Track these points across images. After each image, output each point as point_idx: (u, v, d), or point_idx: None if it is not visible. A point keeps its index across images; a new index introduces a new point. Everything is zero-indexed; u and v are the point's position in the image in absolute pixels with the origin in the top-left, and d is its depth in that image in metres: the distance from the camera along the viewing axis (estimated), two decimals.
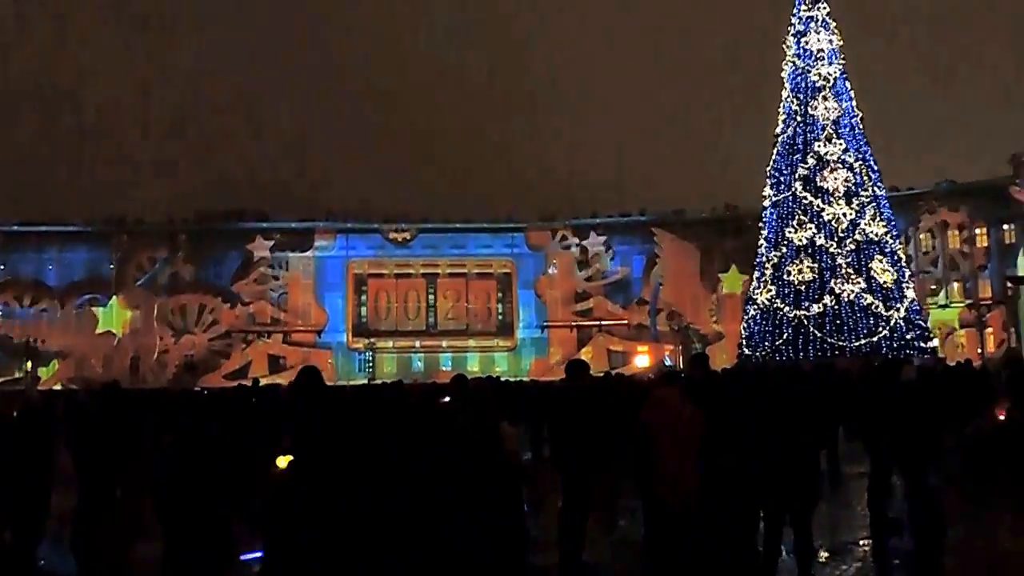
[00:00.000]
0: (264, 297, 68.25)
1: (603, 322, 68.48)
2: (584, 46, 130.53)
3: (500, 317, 71.18)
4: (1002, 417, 11.93)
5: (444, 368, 63.25)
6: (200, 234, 67.91)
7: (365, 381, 50.72)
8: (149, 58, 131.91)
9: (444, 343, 69.59)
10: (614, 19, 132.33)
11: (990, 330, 56.52)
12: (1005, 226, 56.54)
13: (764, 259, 41.13)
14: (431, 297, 70.67)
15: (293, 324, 68.00)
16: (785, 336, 38.97)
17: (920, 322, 40.41)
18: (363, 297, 70.25)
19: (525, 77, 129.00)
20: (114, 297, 66.67)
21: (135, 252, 67.74)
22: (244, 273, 68.11)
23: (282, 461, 6.14)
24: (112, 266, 67.34)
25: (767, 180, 41.83)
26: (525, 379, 42.21)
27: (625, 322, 68.15)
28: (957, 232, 59.40)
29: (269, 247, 68.23)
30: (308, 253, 68.75)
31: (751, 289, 42.39)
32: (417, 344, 69.35)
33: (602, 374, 25.59)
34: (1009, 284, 53.95)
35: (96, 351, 65.24)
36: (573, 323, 69.04)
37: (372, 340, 67.89)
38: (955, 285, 59.38)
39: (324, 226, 69.55)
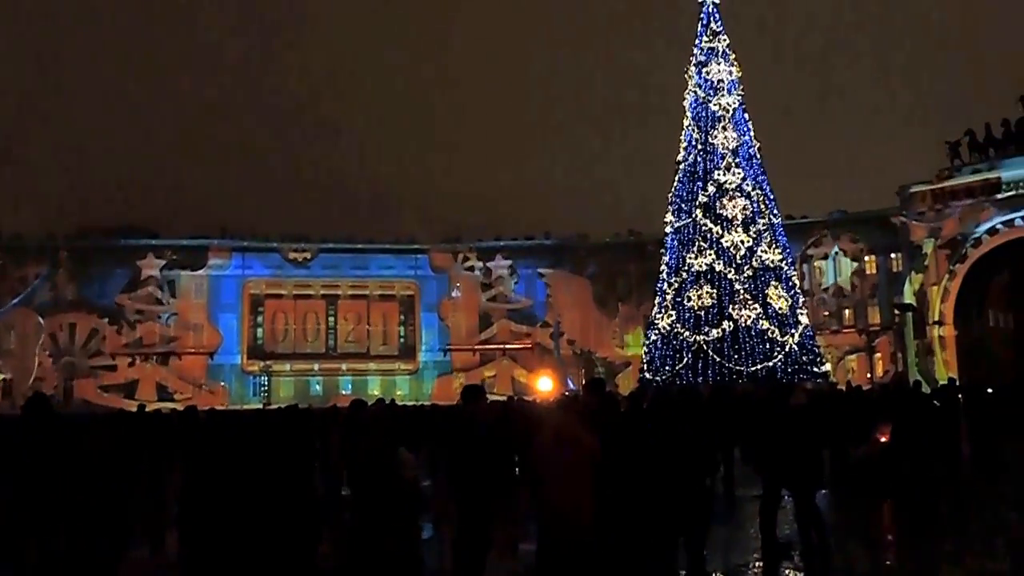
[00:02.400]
0: (153, 317, 65.68)
1: (507, 346, 68.39)
2: (493, 71, 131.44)
3: (402, 340, 70.39)
4: (884, 440, 12.37)
5: (344, 392, 62.20)
6: (84, 250, 64.64)
7: (260, 405, 49.40)
8: (28, 64, 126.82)
9: (344, 366, 68.37)
10: (523, 46, 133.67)
11: (879, 355, 58.50)
12: (893, 255, 58.71)
13: (665, 284, 41.63)
14: (331, 319, 69.40)
15: (184, 346, 65.63)
16: (685, 360, 39.44)
17: (813, 347, 41.43)
18: (259, 318, 68.43)
19: (434, 100, 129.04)
20: None
21: (11, 268, 64.06)
22: (131, 292, 65.30)
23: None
24: None
25: (669, 207, 42.44)
26: (427, 403, 41.64)
27: (528, 345, 68.19)
28: (849, 260, 61.44)
29: (159, 265, 65.74)
30: (201, 272, 66.53)
31: (652, 314, 42.83)
32: (316, 367, 67.96)
33: (504, 398, 25.31)
34: (896, 311, 55.99)
35: None
36: (476, 346, 68.73)
37: (268, 363, 66.13)
38: (846, 312, 61.31)
39: (219, 244, 67.51)
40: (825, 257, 62.00)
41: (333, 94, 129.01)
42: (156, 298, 65.64)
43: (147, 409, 24.59)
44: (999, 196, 51.21)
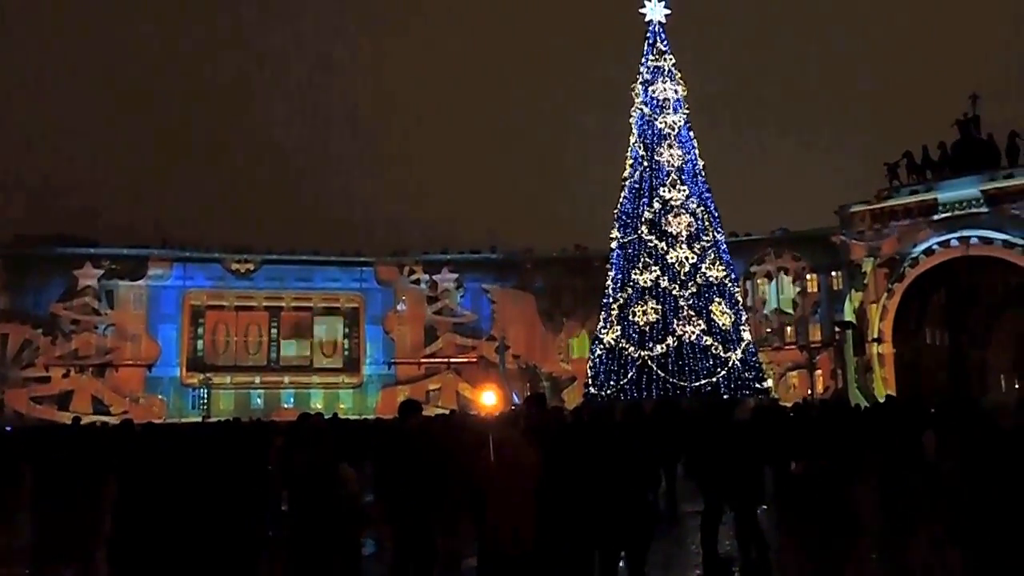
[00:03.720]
0: (89, 328, 64.05)
1: (452, 359, 68.13)
2: (441, 86, 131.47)
3: (346, 353, 69.69)
4: (817, 455, 12.53)
5: (286, 405, 61.45)
6: (19, 259, 62.66)
7: (199, 419, 48.54)
8: None
9: (286, 379, 67.44)
10: (473, 61, 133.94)
11: (820, 372, 59.40)
12: (834, 273, 59.73)
13: (611, 300, 41.82)
14: (274, 331, 68.45)
15: (121, 357, 64.13)
16: (630, 375, 39.60)
17: (756, 364, 41.90)
18: (200, 330, 67.18)
19: (381, 114, 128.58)
20: None
21: None
22: (67, 301, 63.62)
23: None
24: None
25: (615, 222, 42.70)
26: (371, 417, 41.26)
27: (474, 359, 68.01)
28: (791, 278, 62.35)
29: (97, 275, 64.17)
30: (141, 282, 65.06)
31: (598, 329, 42.98)
32: (257, 380, 66.90)
33: (447, 412, 25.17)
34: (837, 329, 56.94)
35: None
36: (421, 360, 68.35)
37: (208, 375, 64.93)
38: (788, 329, 62.19)
39: (159, 254, 66.20)
40: (768, 275, 62.82)
41: (279, 104, 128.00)
42: (93, 308, 64.02)
43: (82, 422, 23.95)
44: (936, 217, 52.48)
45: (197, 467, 6.55)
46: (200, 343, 66.95)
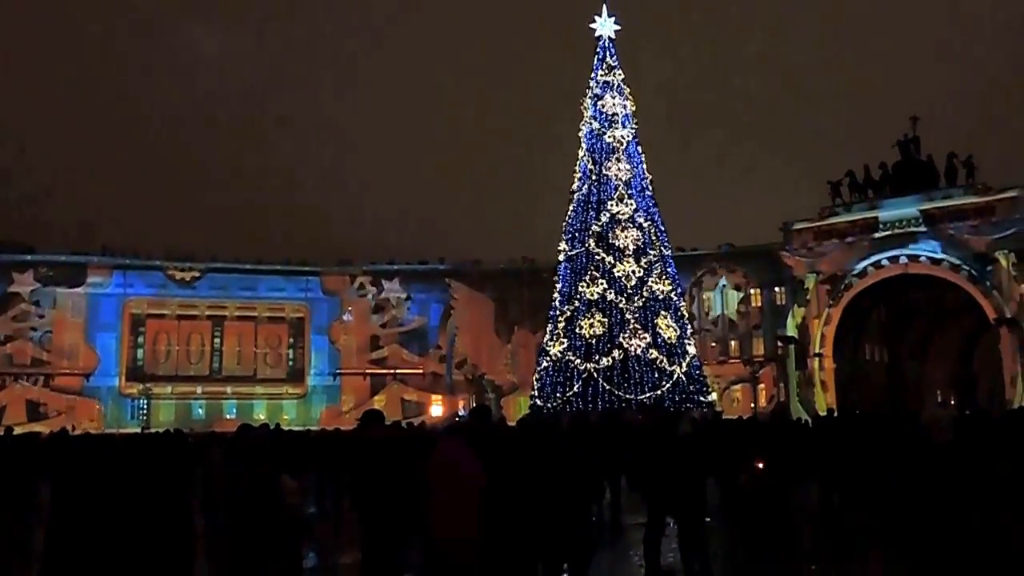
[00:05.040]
0: (24, 336, 62.42)
1: (398, 370, 67.77)
2: (390, 96, 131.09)
3: (291, 363, 68.93)
4: (760, 466, 12.67)
5: (228, 416, 60.51)
6: None
7: (138, 430, 47.62)
8: None
9: (229, 389, 66.45)
10: (423, 71, 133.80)
11: (762, 385, 60.15)
12: (777, 288, 60.60)
13: (558, 312, 41.92)
14: (217, 340, 67.41)
15: (57, 366, 62.57)
16: (576, 388, 39.69)
17: (700, 377, 42.28)
18: (140, 339, 65.92)
19: (329, 124, 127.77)
20: None
21: None
22: (2, 309, 62.02)
23: None
24: None
25: (563, 235, 42.86)
26: (314, 428, 40.76)
27: (420, 371, 67.69)
28: (735, 293, 63.10)
29: (34, 282, 62.54)
30: (79, 289, 63.61)
31: (544, 341, 43.04)
32: (199, 390, 65.83)
33: (391, 424, 24.93)
34: (779, 343, 57.77)
35: None
36: (367, 371, 67.83)
37: (148, 385, 63.68)
38: (732, 343, 62.89)
39: (99, 261, 64.82)
40: (713, 289, 63.52)
41: (224, 110, 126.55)
42: (29, 316, 62.49)
43: (15, 432, 23.33)
44: (876, 235, 53.51)
45: (134, 479, 6.38)
46: (140, 352, 65.72)
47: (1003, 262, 49.82)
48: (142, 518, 5.80)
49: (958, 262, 50.75)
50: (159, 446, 12.04)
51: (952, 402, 58.15)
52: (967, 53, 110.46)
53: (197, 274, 66.41)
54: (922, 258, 51.94)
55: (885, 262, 53.27)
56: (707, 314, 63.47)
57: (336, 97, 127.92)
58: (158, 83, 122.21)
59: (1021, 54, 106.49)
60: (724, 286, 63.17)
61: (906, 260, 52.47)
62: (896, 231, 52.87)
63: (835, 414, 27.27)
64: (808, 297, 56.15)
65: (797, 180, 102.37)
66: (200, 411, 64.03)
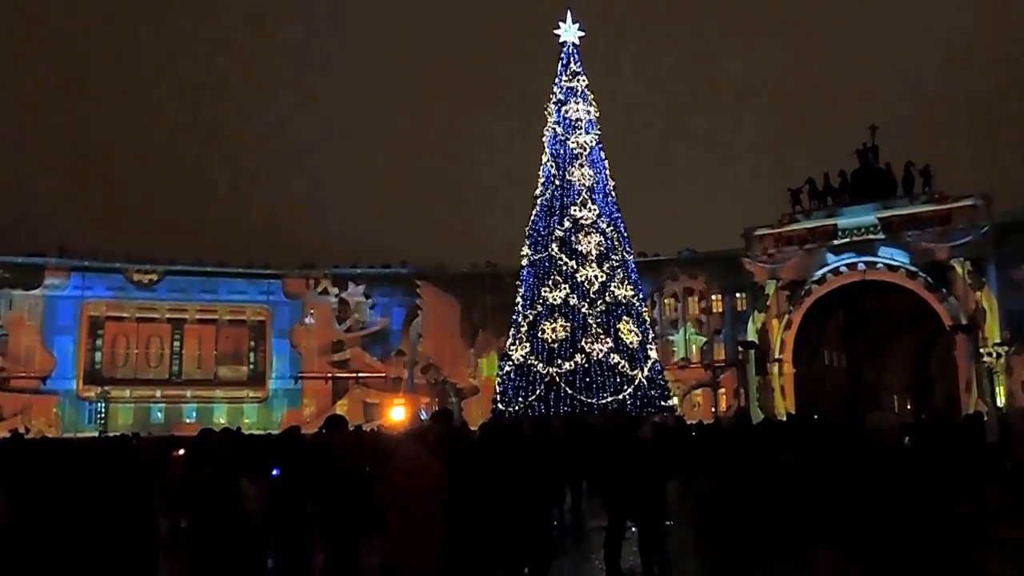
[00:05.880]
0: None
1: (360, 374, 67.42)
2: (353, 100, 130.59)
3: (252, 366, 68.30)
4: (716, 470, 12.82)
5: (188, 420, 59.86)
6: None
7: (96, 433, 47.00)
8: None
9: (189, 393, 65.68)
10: (386, 73, 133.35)
11: (723, 390, 60.64)
12: (738, 294, 61.15)
13: (520, 316, 42.01)
14: (177, 343, 66.62)
15: (13, 369, 61.45)
16: (538, 392, 39.80)
17: (661, 381, 42.58)
18: (98, 341, 64.99)
19: (292, 127, 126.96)
20: None
21: None
22: None
23: None
24: None
25: (526, 240, 42.95)
26: (275, 431, 40.50)
27: (382, 374, 67.43)
28: (697, 298, 63.55)
29: None
30: (36, 291, 62.54)
31: (507, 345, 43.10)
32: (158, 393, 64.99)
33: (354, 428, 24.86)
34: (740, 348, 58.34)
35: None
36: (329, 374, 67.42)
37: (106, 388, 62.75)
38: (694, 348, 63.34)
39: (56, 263, 63.74)
40: (675, 294, 63.91)
41: (187, 112, 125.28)
42: None
43: None
44: (835, 242, 54.30)
45: (94, 483, 6.35)
46: (98, 355, 64.78)
47: (959, 270, 50.78)
48: (101, 523, 5.77)
49: (915, 269, 51.63)
50: (114, 451, 11.95)
51: (908, 407, 59.05)
52: (927, 63, 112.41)
53: (157, 276, 65.58)
54: (879, 265, 52.78)
55: (844, 269, 54.06)
56: (669, 319, 63.78)
57: (299, 99, 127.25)
58: (118, 82, 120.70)
59: (977, 66, 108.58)
60: (686, 291, 63.48)
61: (864, 267, 53.31)
62: (855, 238, 53.67)
63: (793, 418, 27.57)
64: (768, 303, 56.79)
65: (758, 187, 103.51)
66: (159, 415, 63.27)
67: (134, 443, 18.10)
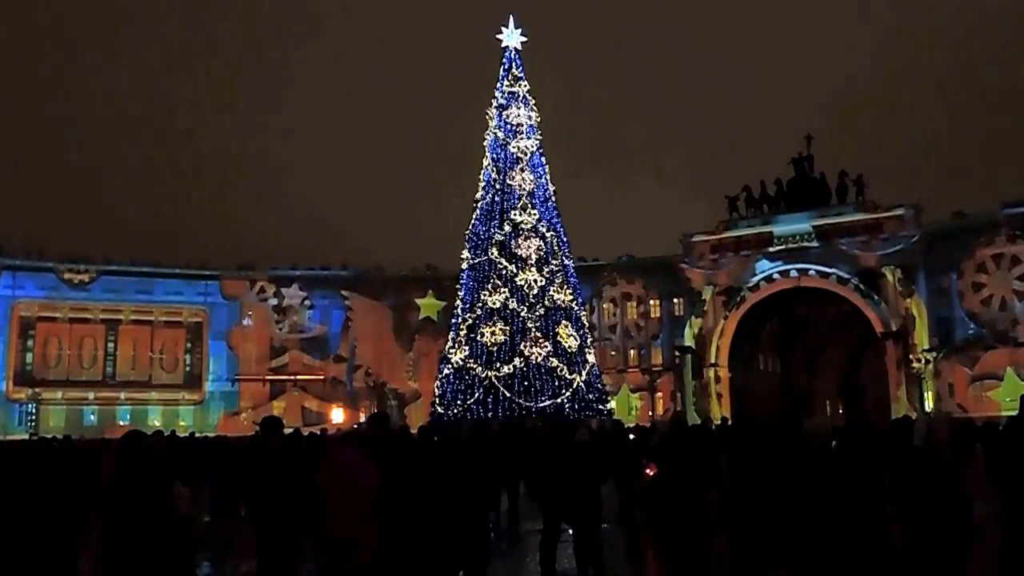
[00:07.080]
0: None
1: (298, 377, 66.77)
2: (296, 97, 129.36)
3: (188, 368, 67.16)
4: (651, 473, 13.03)
5: (122, 422, 58.67)
6: None
7: (27, 436, 45.95)
8: None
9: (123, 395, 64.34)
10: (329, 74, 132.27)
11: (660, 394, 61.28)
12: (676, 299, 61.81)
13: (460, 320, 42.07)
14: (111, 345, 65.24)
15: None
16: (477, 395, 39.90)
17: (599, 385, 42.99)
18: (29, 342, 63.37)
19: (230, 128, 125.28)
20: None
21: None
22: None
23: None
24: None
25: (466, 243, 43.03)
26: (211, 434, 39.99)
27: (321, 377, 66.87)
28: (635, 303, 64.09)
29: None
30: None
31: (446, 348, 43.13)
32: (91, 395, 63.56)
33: (291, 430, 24.68)
34: (677, 353, 59.08)
35: None
36: (267, 377, 66.66)
37: (37, 390, 61.23)
38: (631, 352, 63.92)
39: None
40: (613, 299, 64.40)
41: (128, 106, 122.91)
42: None
43: None
44: (771, 249, 55.36)
45: (23, 488, 6.33)
46: (29, 356, 63.15)
47: (889, 277, 52.14)
48: (29, 530, 5.76)
49: (847, 276, 52.86)
50: (49, 453, 11.82)
51: (840, 411, 60.38)
52: (860, 74, 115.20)
53: (91, 276, 64.12)
54: (812, 272, 53.92)
55: (777, 275, 55.11)
56: (607, 324, 64.23)
57: (241, 98, 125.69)
58: (49, 77, 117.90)
59: (913, 79, 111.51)
60: (624, 296, 63.99)
61: (797, 274, 54.41)
62: (789, 245, 54.77)
63: (729, 422, 28.12)
64: (705, 308, 57.63)
65: (696, 194, 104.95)
66: (92, 417, 61.86)
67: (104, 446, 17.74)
